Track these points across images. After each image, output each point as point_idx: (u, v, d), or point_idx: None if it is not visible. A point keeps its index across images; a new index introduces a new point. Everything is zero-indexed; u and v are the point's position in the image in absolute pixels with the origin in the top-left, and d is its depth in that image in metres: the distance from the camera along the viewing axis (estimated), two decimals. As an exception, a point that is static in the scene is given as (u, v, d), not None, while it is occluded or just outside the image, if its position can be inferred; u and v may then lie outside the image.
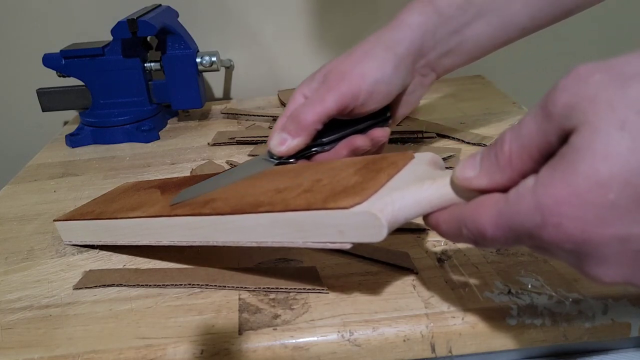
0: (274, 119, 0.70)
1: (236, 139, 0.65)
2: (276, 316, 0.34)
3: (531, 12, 0.42)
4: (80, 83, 0.70)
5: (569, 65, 0.22)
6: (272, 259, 0.40)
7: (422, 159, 0.32)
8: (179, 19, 0.74)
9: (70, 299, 0.38)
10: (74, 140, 0.69)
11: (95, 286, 0.39)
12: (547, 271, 0.36)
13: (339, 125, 0.43)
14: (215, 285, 0.37)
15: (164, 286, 0.38)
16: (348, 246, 0.29)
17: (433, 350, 0.33)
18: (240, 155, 0.62)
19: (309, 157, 0.44)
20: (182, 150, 0.65)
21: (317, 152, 0.43)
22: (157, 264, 0.41)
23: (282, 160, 0.42)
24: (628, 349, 0.36)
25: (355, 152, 0.43)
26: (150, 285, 0.38)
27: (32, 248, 0.46)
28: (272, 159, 0.43)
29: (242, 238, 0.33)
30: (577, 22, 0.82)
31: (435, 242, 0.40)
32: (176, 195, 0.40)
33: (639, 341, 0.35)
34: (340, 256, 0.40)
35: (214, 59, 0.70)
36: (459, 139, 0.59)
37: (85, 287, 0.39)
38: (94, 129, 0.70)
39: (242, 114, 0.74)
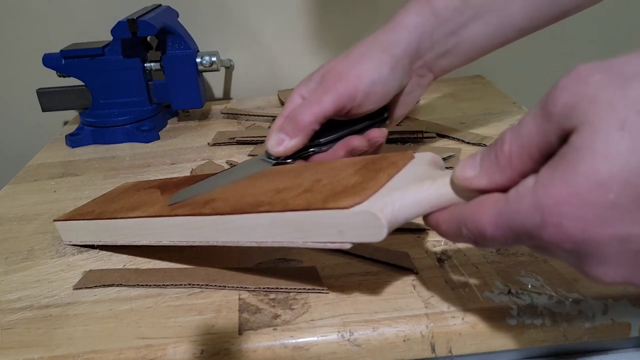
0: (274, 119, 0.70)
1: (236, 139, 0.65)
2: (276, 316, 0.34)
3: (529, 12, 0.42)
4: (80, 83, 0.70)
5: (569, 65, 0.22)
6: (272, 259, 0.40)
7: (422, 159, 0.32)
8: (179, 19, 0.74)
9: (70, 299, 0.38)
10: (74, 140, 0.69)
11: (95, 286, 0.39)
12: (547, 271, 0.36)
13: (336, 126, 0.43)
14: (215, 285, 0.37)
15: (164, 286, 0.38)
16: (348, 246, 0.29)
17: (433, 350, 0.33)
18: (240, 155, 0.62)
19: (306, 158, 0.44)
20: (182, 150, 0.65)
21: (315, 153, 0.44)
22: (157, 264, 0.41)
23: (280, 160, 0.43)
24: (628, 349, 0.36)
25: (352, 153, 0.43)
26: (150, 285, 0.38)
27: (32, 248, 0.46)
28: (269, 160, 0.43)
29: (242, 238, 0.33)
30: (577, 22, 0.82)
31: (435, 242, 0.40)
32: (174, 195, 0.40)
33: (639, 341, 0.35)
34: (340, 256, 0.40)
35: (214, 59, 0.70)
36: (459, 139, 0.59)
37: (85, 287, 0.39)
38: (94, 129, 0.70)
39: (242, 114, 0.74)
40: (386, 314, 0.33)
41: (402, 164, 0.32)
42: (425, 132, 0.60)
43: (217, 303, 0.36)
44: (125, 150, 0.67)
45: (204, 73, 0.74)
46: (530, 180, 0.22)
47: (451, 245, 0.40)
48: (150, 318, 0.35)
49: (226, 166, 0.59)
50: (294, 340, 0.32)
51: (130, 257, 0.43)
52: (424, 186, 0.28)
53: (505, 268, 0.36)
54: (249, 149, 0.63)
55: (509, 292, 0.34)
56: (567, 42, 0.85)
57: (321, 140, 0.43)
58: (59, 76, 0.70)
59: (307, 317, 0.34)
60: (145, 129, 0.69)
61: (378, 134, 0.44)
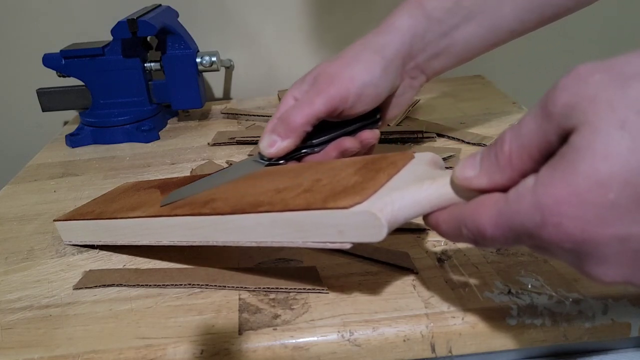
0: (274, 119, 0.70)
1: (236, 139, 0.65)
2: (276, 316, 0.34)
3: (520, 15, 0.42)
4: (80, 83, 0.70)
5: (569, 65, 0.22)
6: (272, 259, 0.40)
7: (422, 159, 0.32)
8: (179, 19, 0.74)
9: (70, 299, 0.38)
10: (74, 140, 0.69)
11: (95, 286, 0.39)
12: (547, 271, 0.36)
13: (329, 127, 0.43)
14: (215, 285, 0.37)
15: (164, 286, 0.38)
16: (348, 246, 0.29)
17: (433, 350, 0.33)
18: (240, 155, 0.62)
19: (299, 159, 0.44)
20: (182, 150, 0.65)
21: (307, 154, 0.44)
22: (157, 264, 0.41)
23: (273, 161, 0.43)
24: (628, 349, 0.36)
25: (344, 154, 0.43)
26: (150, 285, 0.38)
27: (32, 248, 0.46)
28: (262, 161, 0.43)
29: (242, 238, 0.33)
30: (578, 21, 0.82)
31: (435, 242, 0.40)
32: (166, 196, 0.40)
33: (639, 341, 0.35)
34: (340, 256, 0.40)
35: (214, 59, 0.70)
36: (459, 139, 0.59)
37: (85, 287, 0.39)
38: (94, 129, 0.70)
39: (242, 114, 0.74)
40: (386, 314, 0.33)
41: (402, 164, 0.32)
42: (425, 132, 0.60)
43: (217, 303, 0.36)
44: (125, 150, 0.67)
45: (204, 73, 0.74)
46: (530, 180, 0.22)
47: (451, 245, 0.40)
48: (150, 318, 0.35)
49: (226, 166, 0.59)
50: (294, 340, 0.32)
51: (130, 257, 0.43)
52: (424, 186, 0.28)
53: (505, 268, 0.36)
54: (249, 149, 0.63)
55: (509, 292, 0.34)
56: (567, 42, 0.85)
57: (314, 141, 0.43)
58: (59, 76, 0.70)
59: (307, 317, 0.34)
60: (145, 129, 0.69)
61: (370, 135, 0.44)
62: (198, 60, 0.70)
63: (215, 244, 0.35)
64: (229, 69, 0.84)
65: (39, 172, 0.62)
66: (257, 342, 0.32)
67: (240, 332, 0.33)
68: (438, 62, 0.44)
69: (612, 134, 0.19)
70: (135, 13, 0.68)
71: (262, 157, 0.43)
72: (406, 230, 0.42)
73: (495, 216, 0.23)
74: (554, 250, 0.22)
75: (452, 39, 0.43)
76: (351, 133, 0.44)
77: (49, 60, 0.68)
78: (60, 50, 0.68)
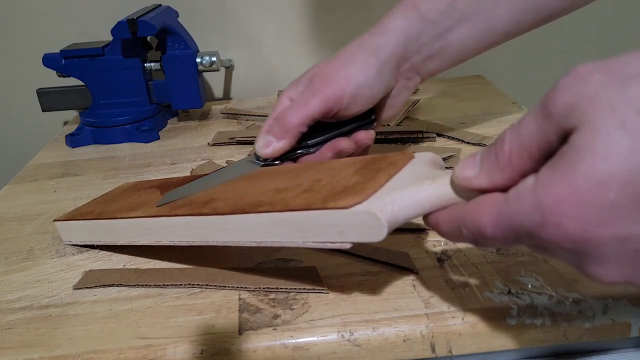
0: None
1: (236, 139, 0.65)
2: (276, 316, 0.34)
3: (515, 16, 0.42)
4: (80, 83, 0.70)
5: (569, 65, 0.22)
6: (272, 259, 0.40)
7: (422, 159, 0.32)
8: (179, 19, 0.74)
9: (70, 299, 0.38)
10: (74, 140, 0.69)
11: (95, 286, 0.39)
12: (547, 271, 0.36)
13: (324, 128, 0.44)
14: (215, 285, 0.37)
15: (164, 286, 0.38)
16: (348, 246, 0.29)
17: (433, 350, 0.33)
18: (240, 155, 0.62)
19: (294, 159, 0.44)
20: (182, 150, 0.65)
21: (303, 154, 0.44)
22: (157, 264, 0.41)
23: (268, 162, 0.43)
24: (628, 349, 0.36)
25: (339, 155, 0.43)
26: (150, 285, 0.38)
27: (32, 248, 0.46)
28: (258, 161, 0.43)
29: (242, 238, 0.33)
30: (578, 21, 0.82)
31: (435, 242, 0.40)
32: (163, 196, 0.40)
33: (639, 341, 0.35)
34: (340, 256, 0.40)
35: (214, 59, 0.70)
36: (459, 139, 0.59)
37: (85, 287, 0.39)
38: (94, 129, 0.70)
39: (242, 114, 0.74)
40: (386, 314, 0.33)
41: (402, 163, 0.32)
42: (425, 132, 0.60)
43: (217, 303, 0.36)
44: (125, 150, 0.67)
45: (204, 73, 0.74)
46: (530, 180, 0.22)
47: (451, 245, 0.40)
48: (150, 318, 0.35)
49: (225, 166, 0.59)
50: (294, 340, 0.32)
51: (130, 257, 0.43)
52: (424, 186, 0.28)
53: (505, 268, 0.36)
54: (249, 148, 0.63)
55: (509, 292, 0.34)
56: (567, 42, 0.85)
57: (309, 142, 0.44)
58: (59, 76, 0.70)
59: (307, 317, 0.34)
60: (145, 129, 0.69)
61: (365, 136, 0.44)
62: (198, 60, 0.70)
63: (215, 244, 0.35)
64: (229, 69, 0.84)
65: (39, 172, 0.62)
66: (257, 342, 0.32)
67: (240, 332, 0.33)
68: (433, 63, 0.44)
69: (612, 134, 0.19)
70: (135, 13, 0.68)
71: (257, 157, 0.43)
72: (406, 230, 0.42)
73: (495, 216, 0.23)
74: (554, 250, 0.22)
75: (446, 40, 0.43)
76: (346, 134, 0.44)
77: (49, 60, 0.68)
78: (60, 50, 0.68)
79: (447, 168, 0.33)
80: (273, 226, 0.31)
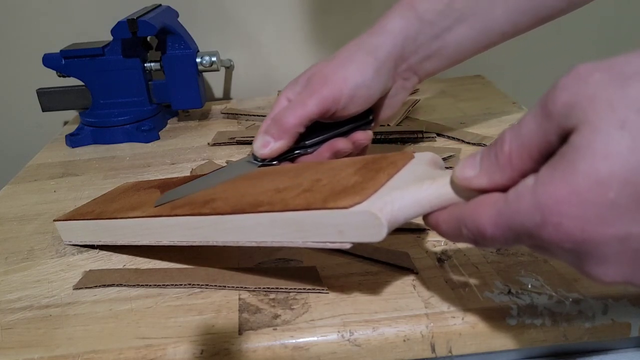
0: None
1: (236, 139, 0.65)
2: (276, 316, 0.34)
3: (512, 17, 0.42)
4: (80, 83, 0.70)
5: (569, 65, 0.22)
6: (272, 259, 0.40)
7: (422, 159, 0.32)
8: (179, 19, 0.74)
9: (70, 299, 0.38)
10: (74, 140, 0.69)
11: (95, 286, 0.39)
12: (547, 271, 0.36)
13: (322, 128, 0.44)
14: (215, 285, 0.37)
15: (164, 286, 0.38)
16: (348, 246, 0.29)
17: (433, 350, 0.33)
18: (240, 155, 0.62)
19: (292, 160, 0.44)
20: (182, 150, 0.65)
21: (300, 155, 0.44)
22: (157, 264, 0.41)
23: (266, 162, 0.43)
24: (628, 349, 0.36)
25: (337, 155, 0.43)
26: (150, 285, 0.38)
27: (32, 248, 0.46)
28: (255, 161, 0.44)
29: (242, 238, 0.33)
30: (577, 21, 0.82)
31: (435, 242, 0.40)
32: (161, 196, 0.40)
33: (639, 341, 0.35)
34: (340, 256, 0.40)
35: (214, 59, 0.70)
36: (459, 139, 0.59)
37: (85, 287, 0.39)
38: (94, 129, 0.70)
39: (242, 114, 0.74)
40: (386, 314, 0.33)
41: (402, 163, 0.32)
42: (425, 132, 0.60)
43: (217, 303, 0.36)
44: (125, 150, 0.67)
45: (204, 73, 0.74)
46: (530, 180, 0.22)
47: (451, 245, 0.40)
48: (150, 318, 0.35)
49: (225, 166, 0.59)
50: (294, 340, 0.32)
51: (130, 257, 0.43)
52: (424, 186, 0.28)
53: (505, 268, 0.36)
54: (249, 148, 0.63)
55: (509, 292, 0.34)
56: (566, 42, 0.85)
57: (307, 142, 0.44)
58: (59, 76, 0.70)
59: (307, 317, 0.34)
60: (145, 129, 0.69)
61: (363, 136, 0.44)
62: (198, 60, 0.70)
63: (215, 244, 0.35)
64: (229, 69, 0.84)
65: (39, 172, 0.62)
66: (257, 342, 0.32)
67: (240, 332, 0.33)
68: (430, 63, 0.44)
69: (612, 134, 0.19)
70: (135, 13, 0.68)
71: (255, 157, 0.44)
72: (406, 230, 0.42)
73: (495, 216, 0.23)
74: (554, 250, 0.22)
75: (444, 41, 0.43)
76: (344, 134, 0.45)
77: (49, 60, 0.68)
78: (60, 50, 0.68)
79: (447, 168, 0.33)
80: (273, 226, 0.31)
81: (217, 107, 0.79)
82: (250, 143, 0.64)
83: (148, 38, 0.73)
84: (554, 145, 0.22)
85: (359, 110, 0.43)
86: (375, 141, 0.60)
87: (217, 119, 0.75)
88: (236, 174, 0.42)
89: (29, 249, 0.45)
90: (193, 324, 0.34)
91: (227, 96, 0.86)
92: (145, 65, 0.69)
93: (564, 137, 0.21)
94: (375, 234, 0.27)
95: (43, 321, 0.36)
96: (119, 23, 0.64)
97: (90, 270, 0.41)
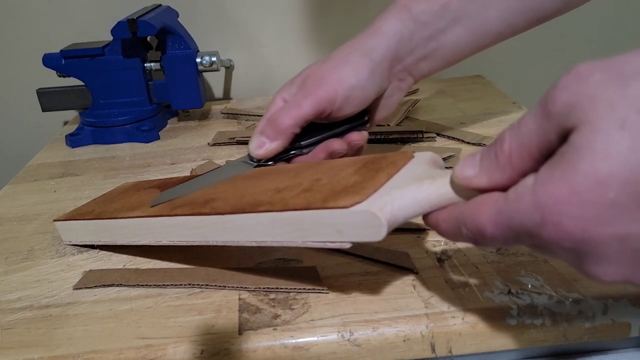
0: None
1: (236, 139, 0.65)
2: (276, 316, 0.34)
3: (507, 18, 0.42)
4: (80, 83, 0.70)
5: (569, 64, 0.22)
6: (272, 259, 0.40)
7: (422, 159, 0.32)
8: (179, 19, 0.74)
9: (70, 299, 0.38)
10: (74, 140, 0.69)
11: (95, 286, 0.39)
12: (547, 271, 0.36)
13: (317, 129, 0.44)
14: (215, 285, 0.37)
15: (164, 286, 0.38)
16: (348, 245, 0.29)
17: (433, 350, 0.32)
18: (240, 155, 0.61)
19: (287, 160, 0.45)
20: (182, 150, 0.65)
21: (296, 155, 0.44)
22: (157, 264, 0.41)
23: (261, 163, 0.43)
24: (628, 349, 0.36)
25: (332, 155, 0.44)
26: (150, 285, 0.38)
27: (32, 248, 0.46)
28: (251, 162, 0.44)
29: (242, 237, 0.33)
30: (578, 21, 0.82)
31: (435, 242, 0.40)
32: (156, 197, 0.40)
33: (639, 341, 0.35)
34: (340, 256, 0.40)
35: (214, 59, 0.70)
36: (459, 139, 0.59)
37: (85, 287, 0.39)
38: (94, 129, 0.70)
39: (242, 114, 0.74)
40: (386, 314, 0.33)
41: (401, 163, 0.32)
42: (425, 132, 0.60)
43: (217, 303, 0.36)
44: (125, 150, 0.67)
45: (204, 73, 0.74)
46: (529, 179, 0.22)
47: (451, 245, 0.40)
48: (150, 318, 0.35)
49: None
50: (294, 340, 0.32)
51: (130, 257, 0.43)
52: (424, 185, 0.28)
53: (505, 268, 0.36)
54: (249, 149, 0.63)
55: (509, 292, 0.34)
56: (567, 42, 0.85)
57: (302, 143, 0.44)
58: (59, 76, 0.70)
59: (307, 317, 0.34)
60: (145, 129, 0.69)
61: (358, 137, 0.45)
62: (198, 60, 0.70)
63: (215, 243, 0.35)
64: (229, 69, 0.84)
65: (39, 172, 0.62)
66: (257, 342, 0.32)
67: (240, 332, 0.33)
68: (426, 64, 0.44)
69: (612, 133, 0.19)
70: (135, 13, 0.68)
71: (251, 158, 0.44)
72: (406, 230, 0.42)
73: (494, 215, 0.23)
74: (554, 249, 0.22)
75: (439, 42, 0.43)
76: (339, 135, 0.45)
77: (49, 60, 0.68)
78: (60, 50, 0.68)
79: (447, 168, 0.33)
80: (273, 226, 0.31)
81: (217, 107, 0.79)
82: (250, 143, 0.64)
83: (148, 38, 0.73)
84: (554, 145, 0.22)
85: (354, 111, 0.43)
86: (375, 141, 0.60)
87: (217, 119, 0.75)
88: (232, 174, 0.42)
89: (29, 249, 0.45)
90: (193, 324, 0.34)
91: (227, 96, 0.86)
92: (145, 65, 0.69)
93: (564, 137, 0.21)
94: (375, 234, 0.27)
95: (43, 321, 0.36)
96: (119, 23, 0.64)
97: (90, 270, 0.41)
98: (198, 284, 0.38)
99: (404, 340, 0.32)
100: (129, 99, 0.70)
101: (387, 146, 0.59)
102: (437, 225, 0.28)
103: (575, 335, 0.32)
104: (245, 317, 0.34)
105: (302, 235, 0.30)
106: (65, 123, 0.84)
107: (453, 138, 0.60)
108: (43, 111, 0.72)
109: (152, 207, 0.39)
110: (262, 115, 0.72)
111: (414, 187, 0.28)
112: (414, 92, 0.76)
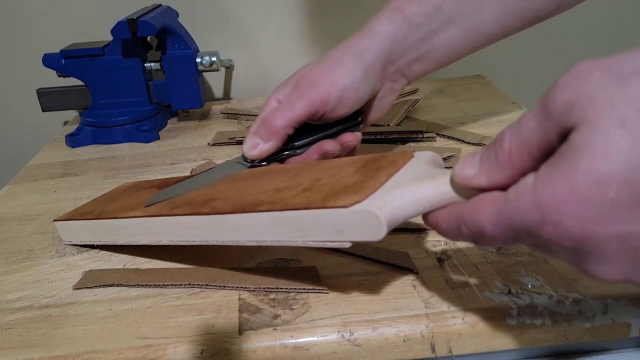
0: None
1: (236, 139, 0.65)
2: (276, 316, 0.34)
3: (500, 19, 0.43)
4: (80, 83, 0.70)
5: (568, 64, 0.22)
6: (272, 259, 0.40)
7: (422, 158, 0.32)
8: (179, 19, 0.74)
9: (70, 299, 0.38)
10: (74, 140, 0.69)
11: (95, 286, 0.39)
12: (547, 271, 0.36)
13: (311, 130, 0.44)
14: (215, 285, 0.37)
15: (164, 286, 0.38)
16: (348, 245, 0.29)
17: (433, 350, 0.32)
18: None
19: (281, 161, 0.45)
20: (182, 150, 0.65)
21: (290, 156, 0.45)
22: (157, 264, 0.41)
23: (255, 163, 0.43)
24: (628, 349, 0.36)
25: (325, 156, 0.44)
26: (150, 285, 0.38)
27: (32, 248, 0.46)
28: (245, 162, 0.44)
29: (242, 237, 0.33)
30: (577, 21, 0.82)
31: (435, 242, 0.40)
32: (152, 197, 0.40)
33: (639, 341, 0.35)
34: (340, 256, 0.40)
35: (214, 59, 0.70)
36: (459, 139, 0.59)
37: (85, 287, 0.39)
38: (94, 129, 0.70)
39: (242, 114, 0.74)
40: (386, 314, 0.33)
41: (401, 162, 0.32)
42: (425, 132, 0.60)
43: (217, 303, 0.36)
44: (125, 150, 0.67)
45: (204, 73, 0.74)
46: (529, 179, 0.22)
47: (451, 245, 0.40)
48: (150, 318, 0.35)
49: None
50: (294, 340, 0.32)
51: (130, 257, 0.43)
52: (424, 185, 0.28)
53: (505, 268, 0.36)
54: (249, 149, 0.63)
55: (509, 292, 0.34)
56: (566, 42, 0.85)
57: (296, 143, 0.44)
58: (59, 76, 0.70)
59: (307, 317, 0.34)
60: (145, 129, 0.69)
61: (351, 138, 0.45)
62: (198, 60, 0.70)
63: (215, 243, 0.35)
64: (229, 69, 0.84)
65: (39, 172, 0.62)
66: (257, 342, 0.32)
67: (240, 332, 0.33)
68: (419, 66, 0.45)
69: (612, 132, 0.19)
70: (135, 13, 0.68)
71: (245, 158, 0.44)
72: (406, 230, 0.42)
73: (494, 214, 0.23)
74: (554, 248, 0.22)
75: (432, 43, 0.43)
76: (333, 135, 0.45)
77: (49, 60, 0.68)
78: (60, 50, 0.68)
79: (447, 168, 0.33)
80: (273, 225, 0.31)
81: (217, 107, 0.79)
82: (250, 143, 0.64)
83: (148, 38, 0.73)
84: (554, 144, 0.22)
85: (347, 112, 0.43)
86: (375, 141, 0.60)
87: (217, 119, 0.75)
88: (226, 174, 0.42)
89: (29, 249, 0.45)
90: (193, 324, 0.34)
91: (227, 96, 0.86)
92: (145, 65, 0.69)
93: (564, 136, 0.21)
94: (375, 233, 0.27)
95: (43, 321, 0.36)
96: (119, 23, 0.64)
97: (90, 270, 0.41)
98: (198, 284, 0.38)
99: (404, 340, 0.32)
100: (129, 99, 0.70)
101: (387, 146, 0.59)
102: (437, 225, 0.28)
103: (575, 335, 0.32)
104: (245, 317, 0.34)
105: (302, 235, 0.30)
106: (65, 123, 0.84)
107: (453, 138, 0.60)
108: (43, 111, 0.72)
109: (146, 207, 0.39)
110: (262, 115, 0.72)
111: (414, 186, 0.28)
112: (414, 92, 0.76)
